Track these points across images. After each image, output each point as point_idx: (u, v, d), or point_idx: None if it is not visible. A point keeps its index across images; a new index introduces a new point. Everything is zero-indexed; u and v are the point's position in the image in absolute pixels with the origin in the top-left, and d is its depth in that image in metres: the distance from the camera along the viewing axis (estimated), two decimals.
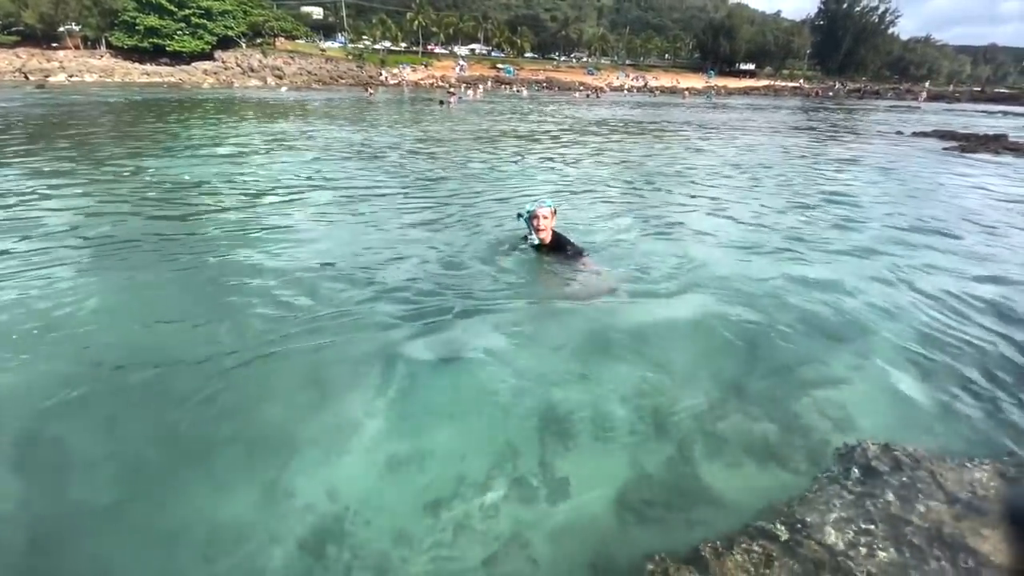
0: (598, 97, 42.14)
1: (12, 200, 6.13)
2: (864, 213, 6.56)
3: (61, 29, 46.83)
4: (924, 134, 17.17)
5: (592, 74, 69.22)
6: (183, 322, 3.34)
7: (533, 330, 3.35)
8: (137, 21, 45.96)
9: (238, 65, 49.02)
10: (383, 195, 6.91)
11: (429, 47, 74.73)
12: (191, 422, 2.43)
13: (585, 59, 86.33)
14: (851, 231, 5.74)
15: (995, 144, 13.43)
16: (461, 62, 66.14)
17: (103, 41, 48.04)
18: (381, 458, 2.25)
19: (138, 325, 3.30)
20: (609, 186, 8.03)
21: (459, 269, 4.29)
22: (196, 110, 19.63)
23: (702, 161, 10.93)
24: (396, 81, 54.53)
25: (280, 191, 6.99)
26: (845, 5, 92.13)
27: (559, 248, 4.33)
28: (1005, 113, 34.75)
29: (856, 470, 1.85)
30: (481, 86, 46.01)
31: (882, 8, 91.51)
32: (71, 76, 41.85)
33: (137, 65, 46.23)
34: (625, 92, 55.06)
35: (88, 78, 42.31)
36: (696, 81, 69.81)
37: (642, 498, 2.12)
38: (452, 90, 33.37)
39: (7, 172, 7.68)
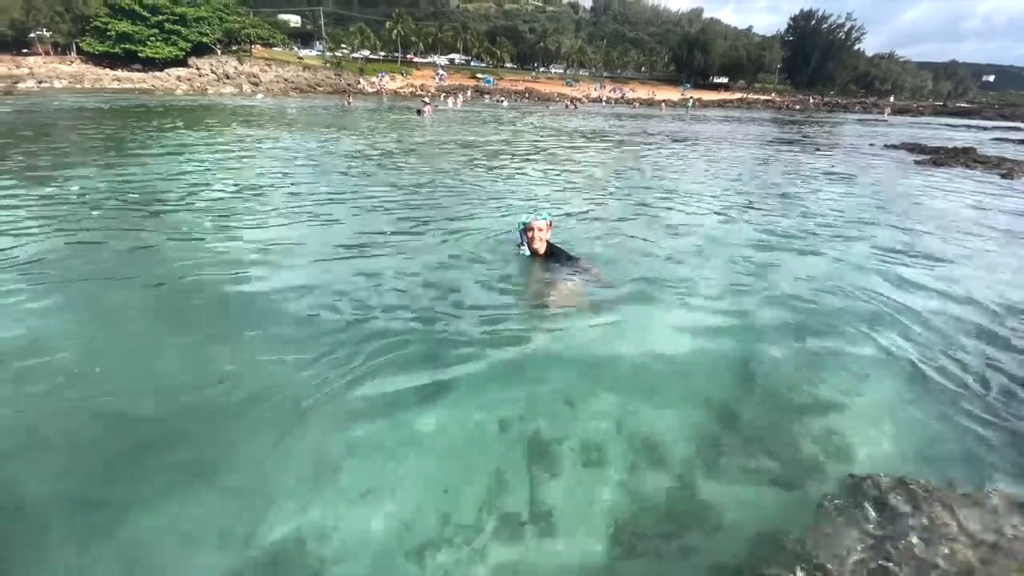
0: (576, 108, 42.54)
1: None
2: (848, 229, 6.60)
3: (32, 35, 45.43)
4: (895, 147, 17.68)
5: (571, 85, 70.05)
6: (144, 351, 3.11)
7: (522, 349, 3.21)
8: (109, 27, 44.81)
9: (213, 72, 48.15)
10: (364, 208, 6.71)
11: (408, 56, 74.72)
12: (153, 463, 2.22)
13: (564, 71, 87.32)
14: (840, 247, 5.72)
15: (965, 157, 13.86)
16: (440, 71, 66.21)
17: (74, 47, 46.72)
18: (360, 494, 2.10)
19: (96, 354, 3.05)
20: (596, 196, 7.97)
21: (446, 286, 4.12)
22: (167, 117, 19.09)
23: (687, 173, 10.99)
24: (375, 90, 54.27)
25: (255, 205, 6.73)
26: (813, 22, 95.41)
27: (553, 256, 4.31)
28: (968, 127, 36.17)
29: (868, 505, 1.75)
30: (461, 95, 46.03)
31: (848, 25, 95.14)
32: (40, 82, 40.52)
33: (108, 71, 45.03)
34: (603, 103, 55.73)
35: (58, 84, 41.03)
36: (672, 93, 71.10)
37: (638, 530, 2.01)
38: (427, 100, 33.26)
39: None
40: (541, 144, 15.41)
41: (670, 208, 7.33)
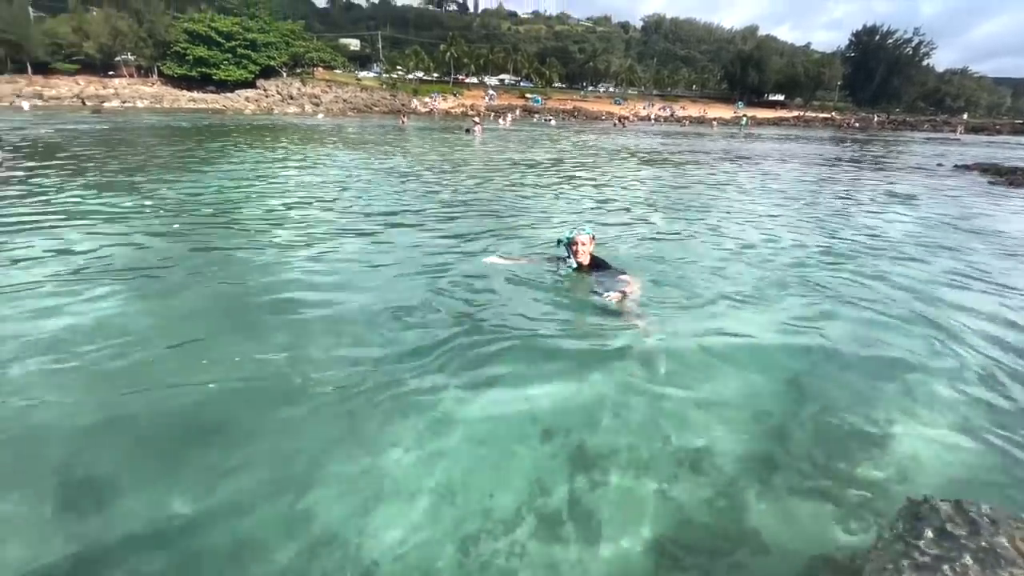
0: (624, 127, 42.47)
1: (48, 223, 6.35)
2: (911, 250, 6.31)
3: (117, 59, 49.92)
4: (966, 167, 16.67)
5: (619, 104, 69.94)
6: (212, 353, 3.32)
7: (568, 359, 3.27)
8: (187, 52, 48.73)
9: (278, 93, 51.28)
10: (417, 222, 6.99)
11: (460, 77, 76.93)
12: (217, 461, 2.37)
13: (612, 89, 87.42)
14: (901, 268, 5.48)
15: None
16: (490, 91, 67.73)
17: (155, 70, 50.97)
18: (409, 496, 2.18)
19: (168, 355, 3.30)
20: (644, 213, 7.96)
21: (494, 298, 4.24)
22: (239, 135, 20.48)
23: (738, 192, 10.79)
24: (427, 109, 56.07)
25: (316, 219, 7.14)
26: (878, 37, 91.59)
27: (598, 268, 4.45)
28: None
29: (926, 529, 1.69)
30: (510, 115, 46.91)
31: (916, 40, 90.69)
32: (124, 102, 44.42)
33: (185, 92, 48.84)
34: (652, 122, 55.39)
35: (140, 104, 44.82)
36: (724, 111, 69.76)
37: (683, 543, 2.00)
38: (477, 119, 34.06)
39: (50, 195, 8.06)
40: (589, 162, 15.50)
41: (721, 226, 7.23)
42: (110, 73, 49.76)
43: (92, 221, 6.32)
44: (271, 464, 2.34)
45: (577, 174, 12.59)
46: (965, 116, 74.96)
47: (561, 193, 9.76)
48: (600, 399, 2.86)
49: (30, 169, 10.19)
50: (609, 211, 8.12)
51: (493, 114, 48.81)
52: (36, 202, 7.27)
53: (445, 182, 10.47)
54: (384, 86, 61.33)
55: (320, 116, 42.11)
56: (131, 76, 50.27)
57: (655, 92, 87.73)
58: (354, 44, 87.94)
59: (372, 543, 1.94)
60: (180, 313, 3.88)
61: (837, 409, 2.83)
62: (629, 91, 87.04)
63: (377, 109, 52.66)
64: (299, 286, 4.41)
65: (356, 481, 2.24)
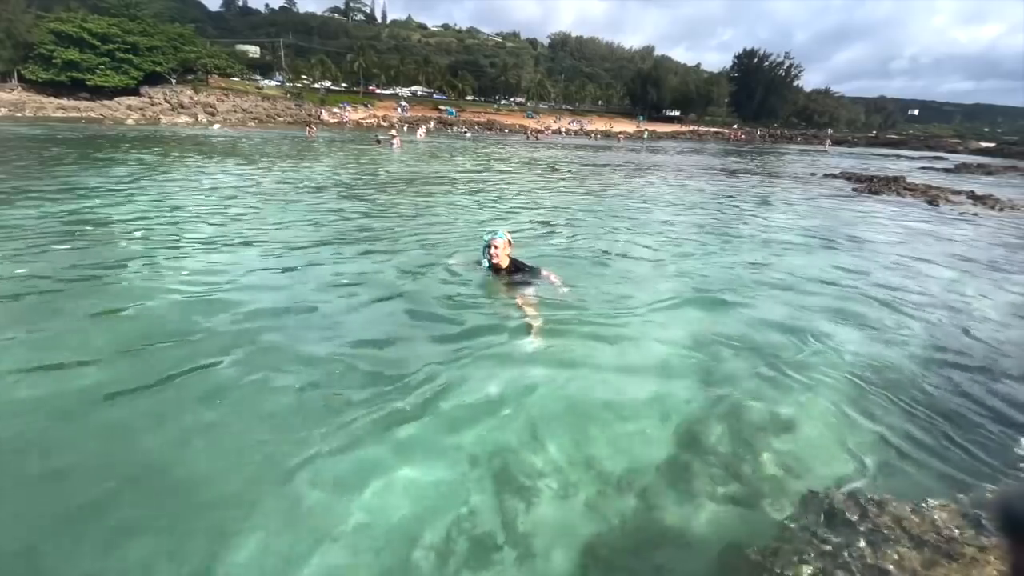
0: (537, 139, 43.63)
1: None
2: (800, 253, 6.99)
3: None
4: (834, 176, 18.90)
5: (532, 118, 71.78)
6: (91, 382, 2.97)
7: (486, 375, 3.25)
8: (55, 54, 43.40)
9: (166, 101, 47.04)
10: (328, 238, 6.66)
11: (371, 87, 75.27)
12: (102, 507, 2.11)
13: (524, 103, 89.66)
14: (793, 271, 6.00)
15: (895, 185, 14.98)
16: (403, 103, 66.85)
17: (15, 74, 44.89)
18: (327, 532, 2.06)
19: (41, 386, 2.90)
20: (559, 220, 8.16)
21: (410, 312, 4.16)
22: (116, 148, 18.47)
23: (644, 200, 11.39)
24: (337, 120, 54.12)
25: (214, 238, 6.58)
26: (756, 59, 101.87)
27: (516, 270, 4.62)
28: (898, 156, 39.09)
29: (823, 518, 1.85)
30: (424, 126, 46.49)
31: (787, 63, 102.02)
32: None
33: (52, 99, 43.36)
34: (563, 135, 57.35)
35: None
36: (628, 126, 73.86)
37: (609, 551, 2.06)
38: (393, 131, 33.34)
39: None
40: (509, 173, 15.72)
41: (630, 231, 7.59)
42: None
43: None
44: (162, 518, 2.10)
45: (499, 184, 12.72)
46: (830, 130, 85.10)
47: (485, 202, 9.81)
48: (516, 412, 2.88)
49: None
50: (529, 218, 8.26)
51: (407, 126, 48.06)
52: None
53: (365, 197, 10.09)
54: (289, 95, 58.33)
55: (216, 127, 39.13)
56: None
57: (565, 106, 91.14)
58: (253, 51, 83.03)
59: None
60: (48, 343, 3.37)
61: (742, 411, 3.03)
62: (540, 105, 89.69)
63: (281, 119, 49.85)
64: (195, 312, 4.02)
65: (266, 525, 2.07)
